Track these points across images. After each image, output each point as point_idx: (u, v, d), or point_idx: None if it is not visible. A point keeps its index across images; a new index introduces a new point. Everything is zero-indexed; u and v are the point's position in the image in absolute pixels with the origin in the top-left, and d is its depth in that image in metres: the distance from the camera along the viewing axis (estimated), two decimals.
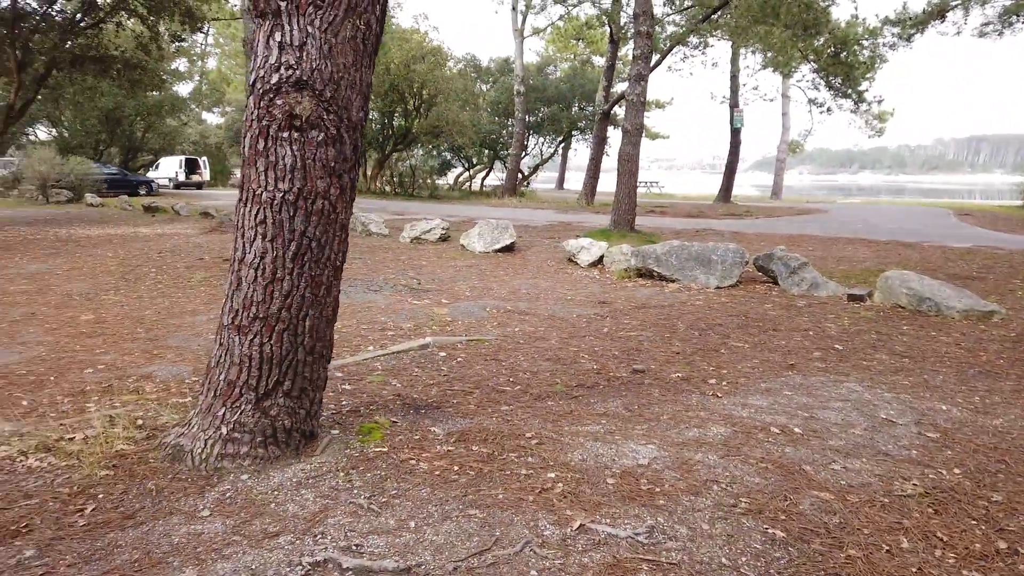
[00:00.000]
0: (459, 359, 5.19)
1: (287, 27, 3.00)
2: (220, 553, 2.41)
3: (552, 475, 3.04)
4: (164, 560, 2.37)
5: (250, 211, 3.14)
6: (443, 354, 5.30)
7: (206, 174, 36.72)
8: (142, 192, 28.69)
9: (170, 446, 3.24)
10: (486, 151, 37.78)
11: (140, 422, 3.67)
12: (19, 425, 3.66)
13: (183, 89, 42.69)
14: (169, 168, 35.31)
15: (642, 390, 4.47)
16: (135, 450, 3.30)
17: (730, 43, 26.88)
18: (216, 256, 10.65)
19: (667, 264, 8.95)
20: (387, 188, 33.07)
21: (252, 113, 3.08)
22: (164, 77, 23.35)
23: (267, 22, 3.04)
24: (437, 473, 3.06)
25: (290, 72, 3.00)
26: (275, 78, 3.01)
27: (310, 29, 3.00)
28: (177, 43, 17.08)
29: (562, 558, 2.38)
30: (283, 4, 2.98)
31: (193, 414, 3.33)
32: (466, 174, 40.10)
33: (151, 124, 34.82)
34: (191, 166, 35.83)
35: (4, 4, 12.99)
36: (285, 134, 3.05)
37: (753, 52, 27.20)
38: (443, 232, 13.22)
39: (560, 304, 7.47)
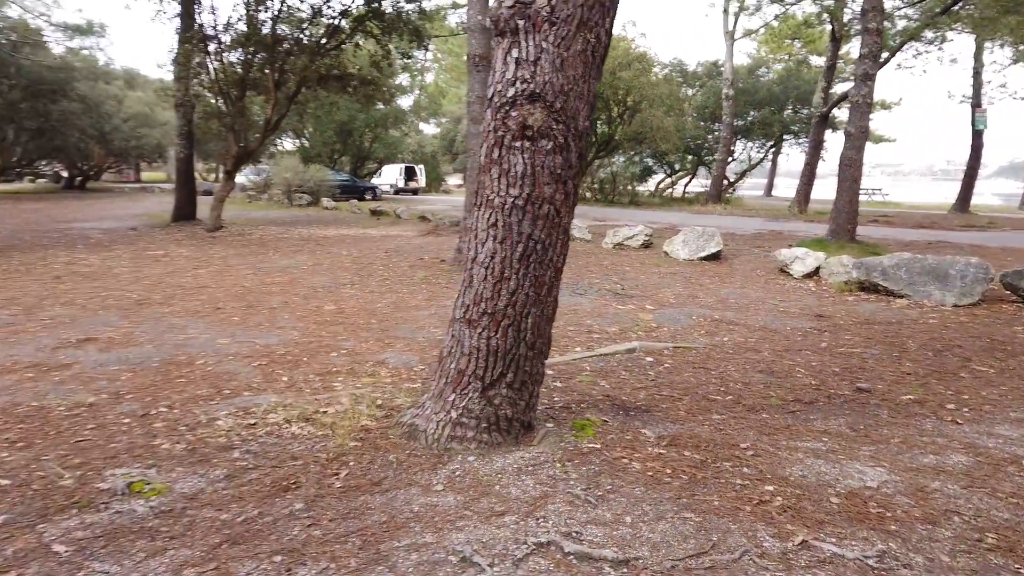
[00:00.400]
0: (666, 365, 5.19)
1: (523, 44, 3.21)
2: (454, 525, 2.65)
3: (770, 488, 2.97)
4: (407, 525, 2.66)
5: (483, 215, 3.40)
6: (650, 359, 5.33)
7: (422, 181, 39.57)
8: (368, 197, 31.55)
9: (406, 425, 3.60)
10: (690, 157, 36.95)
11: (379, 402, 4.10)
12: (283, 397, 4.24)
13: (404, 102, 46.29)
14: (390, 175, 38.49)
15: (868, 410, 4.19)
16: (377, 426, 3.71)
17: (973, 36, 24.07)
18: (433, 256, 11.48)
19: (895, 278, 8.25)
20: (587, 194, 33.46)
21: (489, 125, 3.34)
22: (392, 92, 25.49)
23: (506, 40, 3.27)
24: (650, 474, 3.12)
25: (525, 86, 3.21)
26: (511, 92, 3.24)
27: (544, 44, 3.19)
28: (405, 60, 18.58)
29: (783, 571, 2.33)
30: (521, 23, 3.20)
31: (426, 398, 3.67)
32: (668, 180, 39.49)
33: (377, 135, 38.14)
34: (409, 173, 38.80)
35: (265, 31, 14.92)
36: (518, 143, 3.26)
37: (1001, 46, 24.20)
38: (646, 239, 13.18)
39: (772, 315, 7.17)
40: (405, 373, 4.87)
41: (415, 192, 38.54)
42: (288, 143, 39.61)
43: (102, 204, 25.35)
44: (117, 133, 33.22)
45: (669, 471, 3.15)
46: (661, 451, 3.39)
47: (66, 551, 2.49)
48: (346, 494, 2.93)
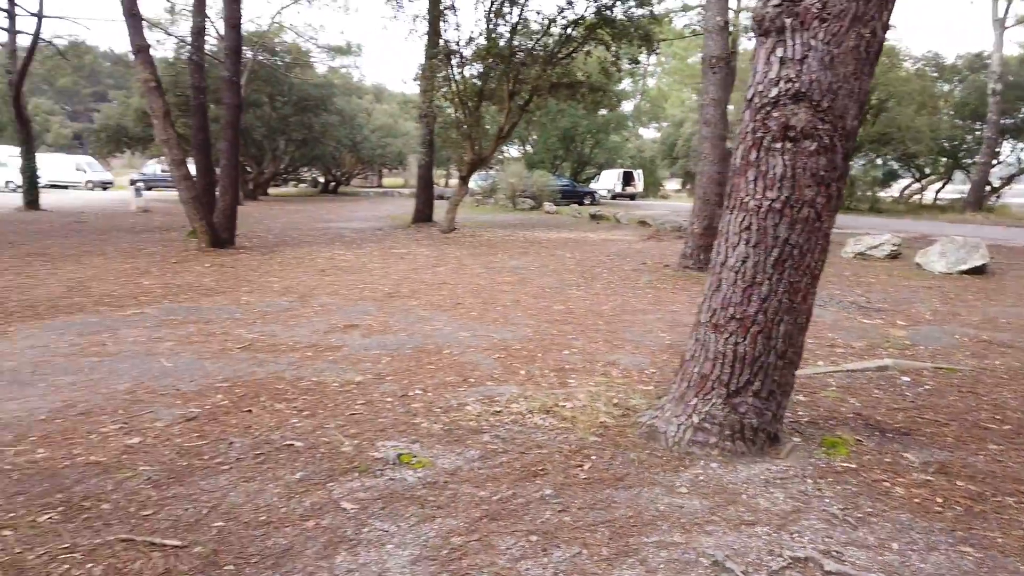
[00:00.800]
0: (926, 387, 4.71)
1: (789, 42, 3.10)
2: (702, 528, 2.63)
3: None
4: (653, 522, 2.69)
5: (735, 218, 3.34)
6: (906, 379, 4.87)
7: (639, 186, 39.36)
8: (586, 202, 32.04)
9: (645, 425, 3.63)
10: (943, 159, 33.01)
11: (615, 401, 4.17)
12: (523, 389, 4.47)
13: (625, 107, 46.25)
14: (608, 180, 38.75)
15: None
16: (615, 424, 3.78)
17: None
18: (656, 261, 11.40)
19: None
20: None
21: (747, 126, 3.27)
22: (617, 97, 25.70)
23: (770, 39, 3.19)
24: (916, 501, 2.87)
25: (789, 85, 3.10)
26: (774, 92, 3.14)
27: (812, 42, 3.06)
28: (634, 65, 18.64)
29: None
30: (788, 20, 3.10)
31: (666, 400, 3.68)
32: (916, 185, 35.61)
33: (598, 141, 38.57)
34: (627, 178, 38.79)
35: (502, 43, 15.73)
36: (778, 145, 3.16)
37: None
38: (893, 248, 12.03)
39: None
40: (636, 375, 4.90)
41: (632, 197, 38.44)
42: (513, 150, 41.37)
43: (351, 206, 28.28)
44: (366, 143, 36.90)
45: (940, 500, 2.87)
46: (928, 478, 3.10)
47: (352, 508, 2.83)
48: (591, 485, 3.03)
